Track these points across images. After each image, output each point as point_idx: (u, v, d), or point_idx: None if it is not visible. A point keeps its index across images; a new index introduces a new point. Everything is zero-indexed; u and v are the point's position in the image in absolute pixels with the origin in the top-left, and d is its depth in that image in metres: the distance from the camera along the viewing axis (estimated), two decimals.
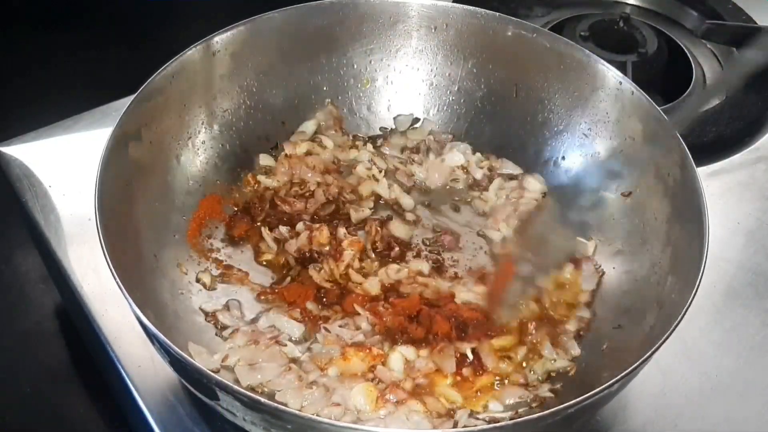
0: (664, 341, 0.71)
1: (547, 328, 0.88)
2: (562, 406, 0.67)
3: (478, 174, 1.03)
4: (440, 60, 1.04)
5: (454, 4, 1.02)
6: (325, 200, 0.98)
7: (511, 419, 0.79)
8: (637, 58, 1.16)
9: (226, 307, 0.88)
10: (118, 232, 0.79)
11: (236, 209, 0.97)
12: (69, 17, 1.29)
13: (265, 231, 0.94)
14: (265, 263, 0.93)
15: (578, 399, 0.67)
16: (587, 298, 0.90)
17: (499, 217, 0.98)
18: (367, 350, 0.84)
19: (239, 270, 0.92)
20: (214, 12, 1.18)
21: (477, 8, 1.00)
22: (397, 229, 0.96)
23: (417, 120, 1.06)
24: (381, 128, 1.07)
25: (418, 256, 0.94)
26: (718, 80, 1.21)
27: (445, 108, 1.06)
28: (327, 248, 0.92)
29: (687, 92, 1.16)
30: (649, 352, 0.70)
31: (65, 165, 1.01)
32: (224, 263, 0.92)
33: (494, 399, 0.81)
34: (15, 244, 1.13)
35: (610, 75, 0.94)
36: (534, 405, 0.81)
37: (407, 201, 1.00)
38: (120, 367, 0.84)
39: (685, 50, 1.23)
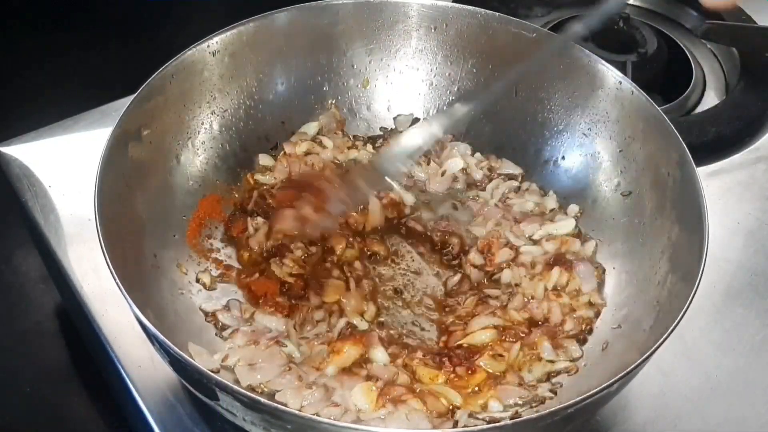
0: (663, 341, 0.71)
1: (546, 328, 0.88)
2: (561, 405, 0.67)
3: (478, 175, 1.03)
4: (440, 60, 1.04)
5: (454, 4, 1.02)
6: None
7: (511, 419, 0.79)
8: (636, 58, 1.16)
9: (226, 307, 0.88)
10: (117, 232, 0.79)
11: (235, 209, 0.97)
12: (69, 17, 1.29)
13: (250, 221, 0.95)
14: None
15: (578, 399, 0.67)
16: (587, 298, 0.90)
17: (487, 214, 0.98)
18: (355, 338, 0.84)
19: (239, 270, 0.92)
20: (214, 12, 1.18)
21: (477, 8, 1.00)
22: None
23: (417, 120, 1.06)
24: (381, 128, 1.07)
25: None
26: (718, 80, 1.21)
27: (445, 108, 1.06)
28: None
29: (687, 92, 1.16)
30: (649, 352, 0.70)
31: (65, 165, 1.01)
32: (224, 263, 0.92)
33: (494, 399, 0.81)
34: (15, 244, 1.13)
35: (610, 75, 0.94)
36: (534, 405, 0.81)
37: (408, 197, 1.00)
38: (120, 367, 0.84)
39: (685, 50, 1.23)
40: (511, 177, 1.02)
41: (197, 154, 0.96)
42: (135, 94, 0.87)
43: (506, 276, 0.93)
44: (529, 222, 0.97)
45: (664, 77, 1.19)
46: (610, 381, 0.69)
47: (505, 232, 0.96)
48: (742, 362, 0.89)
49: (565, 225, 0.97)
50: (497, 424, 0.74)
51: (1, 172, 1.00)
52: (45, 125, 1.04)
